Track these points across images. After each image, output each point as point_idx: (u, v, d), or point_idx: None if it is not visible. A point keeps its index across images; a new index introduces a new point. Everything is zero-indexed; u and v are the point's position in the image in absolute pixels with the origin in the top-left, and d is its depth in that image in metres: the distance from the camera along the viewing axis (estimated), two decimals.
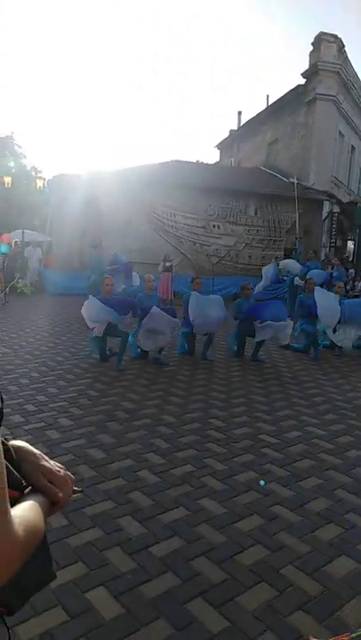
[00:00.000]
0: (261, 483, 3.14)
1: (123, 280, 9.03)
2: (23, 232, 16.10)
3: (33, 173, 27.88)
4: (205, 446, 3.68)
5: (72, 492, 0.89)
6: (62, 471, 0.86)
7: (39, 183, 16.40)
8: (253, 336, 6.92)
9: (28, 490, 0.81)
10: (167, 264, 13.45)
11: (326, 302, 7.26)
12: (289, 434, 4.06)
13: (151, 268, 13.47)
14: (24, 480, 0.81)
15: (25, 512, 0.72)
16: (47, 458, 0.86)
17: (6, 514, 0.64)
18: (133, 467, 3.26)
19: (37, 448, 2.79)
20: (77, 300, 10.36)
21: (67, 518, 2.55)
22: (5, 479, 0.66)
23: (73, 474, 2.76)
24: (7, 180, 16.42)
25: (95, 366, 6.05)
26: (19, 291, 13.35)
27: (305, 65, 17.84)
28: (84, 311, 6.07)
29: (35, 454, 0.83)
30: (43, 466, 0.83)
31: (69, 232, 14.59)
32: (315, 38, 17.27)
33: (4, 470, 0.66)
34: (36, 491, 0.80)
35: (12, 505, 0.73)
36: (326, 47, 17.11)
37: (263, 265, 15.03)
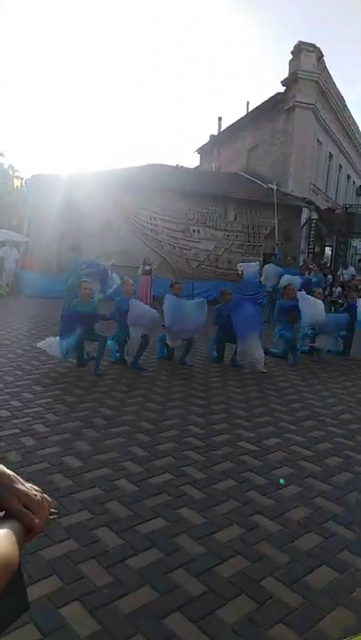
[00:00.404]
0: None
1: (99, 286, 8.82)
2: None
3: (10, 172, 27.46)
4: (184, 454, 3.63)
5: (49, 516, 0.83)
6: (39, 494, 0.80)
7: (16, 182, 16.13)
8: (233, 341, 6.91)
9: (1, 514, 0.75)
10: (147, 267, 13.40)
11: (310, 303, 7.34)
12: (268, 440, 4.04)
13: (131, 272, 13.38)
14: None
15: None
16: (22, 480, 0.80)
17: None
18: (110, 475, 3.18)
19: (11, 455, 2.69)
20: (55, 303, 10.22)
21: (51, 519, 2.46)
22: None
23: (48, 483, 2.65)
24: None
25: (72, 371, 5.94)
26: None
27: (285, 73, 18.09)
28: None
29: (9, 476, 0.78)
30: (18, 489, 0.77)
31: (48, 233, 14.41)
32: (294, 47, 17.53)
33: None
34: (11, 516, 0.75)
35: None
36: (306, 56, 17.38)
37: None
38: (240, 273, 12.27)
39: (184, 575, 2.21)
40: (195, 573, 2.22)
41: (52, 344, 5.83)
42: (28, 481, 2.63)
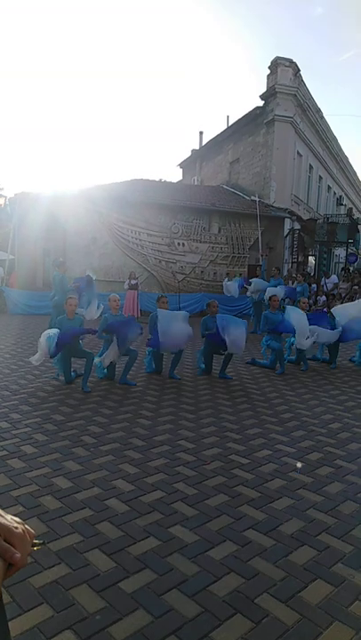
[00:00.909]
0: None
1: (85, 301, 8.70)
2: None
3: None
4: (175, 469, 3.60)
5: (31, 549, 0.81)
6: (20, 527, 0.79)
7: (0, 201, 16.08)
8: (220, 353, 6.92)
9: None
10: (133, 282, 13.41)
11: (299, 317, 7.37)
12: (259, 453, 4.02)
13: (117, 286, 13.41)
14: None
15: None
16: (3, 513, 0.78)
17: None
18: (101, 495, 3.13)
19: (0, 479, 2.62)
20: (41, 320, 10.14)
21: (30, 555, 2.40)
22: None
23: (37, 506, 2.60)
24: None
25: (60, 389, 5.87)
26: None
27: (263, 87, 18.43)
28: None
29: None
30: None
31: (33, 251, 14.39)
32: (271, 62, 17.91)
33: None
34: None
35: None
36: (283, 71, 17.76)
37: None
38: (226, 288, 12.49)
39: (178, 596, 2.17)
40: (189, 594, 2.18)
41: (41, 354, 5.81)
42: (15, 505, 2.56)
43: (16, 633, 1.91)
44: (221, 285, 16.26)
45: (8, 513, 2.67)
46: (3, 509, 2.75)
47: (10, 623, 1.91)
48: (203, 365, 7.09)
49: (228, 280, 14.12)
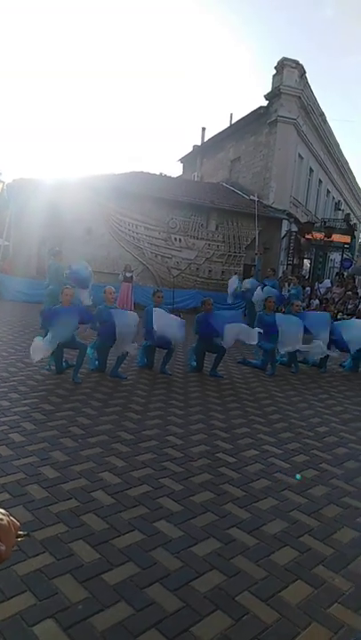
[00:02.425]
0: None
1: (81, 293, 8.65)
2: None
3: None
4: (162, 465, 3.62)
5: (16, 540, 0.81)
6: (5, 519, 0.78)
7: None
8: (213, 351, 6.94)
9: None
10: (128, 274, 13.37)
11: (287, 325, 7.38)
12: (246, 452, 4.05)
13: (112, 278, 13.37)
14: None
15: None
16: None
17: None
18: (87, 487, 3.14)
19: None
20: (35, 307, 10.10)
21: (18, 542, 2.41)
22: None
23: (23, 494, 2.61)
24: None
25: (51, 378, 5.86)
26: None
27: (268, 87, 18.41)
28: None
29: None
30: None
31: (29, 238, 14.28)
32: (278, 63, 17.87)
33: None
34: None
35: None
36: (289, 72, 17.74)
37: (223, 280, 15.24)
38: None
39: (160, 590, 2.19)
40: (171, 588, 2.21)
41: (34, 347, 5.73)
42: (1, 493, 2.58)
43: None
44: (216, 283, 16.27)
45: None
46: None
47: None
48: (194, 363, 7.11)
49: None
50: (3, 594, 2.06)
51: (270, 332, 7.38)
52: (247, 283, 12.18)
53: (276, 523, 2.91)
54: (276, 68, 18.04)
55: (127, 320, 6.19)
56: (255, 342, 7.01)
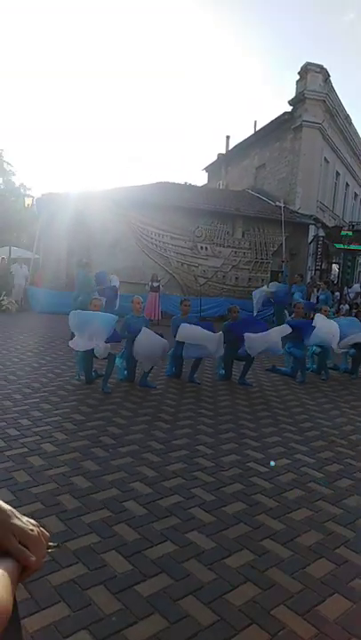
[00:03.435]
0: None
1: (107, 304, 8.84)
2: (10, 249, 16.02)
3: (22, 190, 27.93)
4: (193, 475, 3.59)
5: (46, 552, 0.80)
6: (36, 529, 0.77)
7: (27, 201, 16.37)
8: (241, 359, 6.89)
9: None
10: (155, 284, 13.45)
11: (326, 324, 7.28)
12: (278, 461, 3.98)
13: (139, 288, 13.47)
14: None
15: None
16: (19, 514, 0.77)
17: None
18: (119, 497, 3.15)
19: (19, 475, 2.68)
20: (64, 318, 10.25)
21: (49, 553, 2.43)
22: None
23: (56, 504, 2.63)
24: None
25: (81, 388, 5.93)
26: (3, 308, 13.20)
27: (291, 93, 18.34)
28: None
29: (5, 511, 0.75)
30: (14, 525, 0.74)
31: (57, 250, 14.56)
32: (301, 68, 17.81)
33: None
34: (6, 554, 0.72)
35: None
36: (312, 77, 17.65)
37: (250, 287, 15.15)
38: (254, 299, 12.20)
39: (194, 603, 2.17)
40: (205, 601, 2.18)
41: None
42: (35, 502, 2.60)
43: (33, 629, 1.93)
44: (243, 290, 16.18)
45: (28, 509, 2.71)
46: (22, 505, 2.79)
47: (27, 619, 1.94)
48: (223, 371, 7.06)
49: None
50: (37, 604, 2.08)
51: (299, 339, 7.28)
52: (273, 286, 12.06)
53: (310, 534, 2.85)
54: (299, 73, 17.98)
55: (153, 344, 6.12)
56: (281, 352, 6.95)
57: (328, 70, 17.87)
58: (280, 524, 2.94)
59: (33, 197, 17.38)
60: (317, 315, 7.59)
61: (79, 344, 5.76)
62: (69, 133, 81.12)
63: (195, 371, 6.72)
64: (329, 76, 18.04)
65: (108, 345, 5.79)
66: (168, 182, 19.49)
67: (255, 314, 12.10)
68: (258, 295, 12.06)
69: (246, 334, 6.56)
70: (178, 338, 6.35)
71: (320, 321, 7.32)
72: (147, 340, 6.03)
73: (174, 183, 20.11)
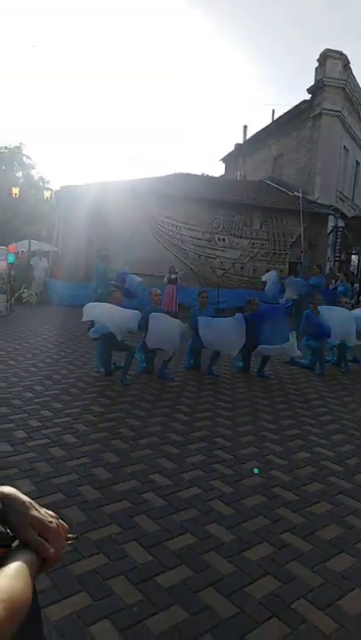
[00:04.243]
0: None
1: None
2: (30, 242, 16.16)
3: (41, 184, 28.11)
4: (212, 467, 3.60)
5: (65, 544, 0.80)
6: (54, 521, 0.77)
7: (46, 194, 16.47)
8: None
9: (15, 543, 0.72)
10: (172, 276, 13.45)
11: (337, 316, 7.19)
12: (297, 455, 3.97)
13: (156, 280, 13.48)
14: (11, 531, 0.72)
15: (9, 581, 0.62)
16: (37, 506, 0.77)
17: None
18: (139, 488, 3.17)
19: (41, 466, 2.71)
20: (82, 311, 10.33)
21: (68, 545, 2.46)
22: None
23: (77, 495, 2.66)
24: (15, 190, 16.52)
25: (100, 380, 5.98)
26: (24, 300, 13.35)
27: (310, 81, 17.99)
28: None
29: (24, 503, 0.75)
30: (33, 517, 0.74)
31: (76, 242, 14.62)
32: (320, 55, 17.43)
33: None
34: (25, 545, 0.72)
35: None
36: (332, 63, 17.26)
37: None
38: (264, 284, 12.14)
39: (214, 595, 2.18)
40: (225, 593, 2.19)
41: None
42: (56, 493, 2.63)
43: (55, 618, 1.97)
44: (261, 281, 16.04)
45: (49, 500, 2.74)
46: (44, 496, 2.82)
47: (49, 608, 1.98)
48: (241, 363, 7.04)
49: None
50: (59, 593, 2.12)
51: (318, 332, 7.20)
52: (293, 283, 11.92)
53: (330, 528, 2.83)
54: (318, 60, 17.60)
55: (167, 325, 6.16)
56: (298, 354, 6.90)
57: (348, 57, 17.46)
58: (300, 518, 2.93)
59: (52, 190, 17.47)
60: (331, 309, 7.47)
61: (98, 329, 5.82)
62: (88, 124, 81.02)
63: (213, 363, 6.71)
64: (349, 62, 17.63)
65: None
66: (185, 173, 19.36)
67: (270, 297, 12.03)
68: (271, 277, 11.97)
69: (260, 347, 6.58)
70: (202, 336, 6.36)
71: (335, 316, 7.22)
72: (159, 323, 6.08)
73: (191, 174, 19.97)
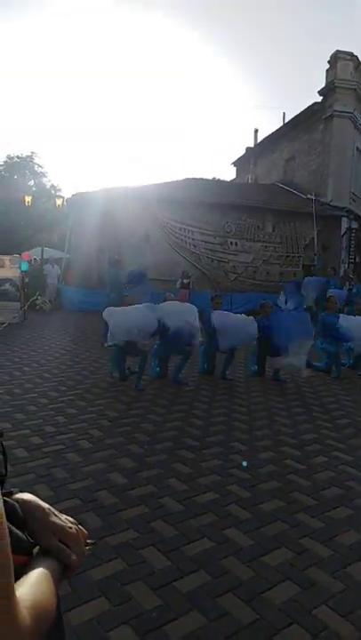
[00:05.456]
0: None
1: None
2: (42, 249, 16.33)
3: (52, 192, 28.41)
4: (229, 472, 3.58)
5: (85, 549, 0.80)
6: (74, 527, 0.77)
7: (58, 202, 16.63)
8: (274, 355, 6.79)
9: (36, 550, 0.72)
10: (185, 280, 13.46)
11: (357, 322, 7.10)
12: (315, 459, 3.92)
13: (169, 285, 13.50)
14: (32, 539, 0.72)
15: (34, 588, 0.62)
16: (57, 512, 0.77)
17: (10, 606, 0.54)
18: (155, 493, 3.16)
19: (57, 472, 2.72)
20: (96, 316, 10.39)
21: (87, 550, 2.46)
22: (10, 562, 0.56)
23: (93, 500, 2.66)
24: (28, 199, 16.71)
25: (114, 385, 5.99)
26: (37, 307, 13.47)
27: (320, 83, 17.94)
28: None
29: (43, 509, 0.74)
30: (53, 523, 0.74)
31: (88, 249, 14.72)
32: (331, 56, 17.38)
33: (9, 553, 0.56)
34: (46, 552, 0.71)
35: (21, 572, 0.63)
36: (343, 65, 17.20)
37: (281, 282, 14.93)
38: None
39: (233, 600, 2.16)
40: (244, 599, 2.16)
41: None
42: (73, 498, 2.64)
43: (75, 623, 1.97)
44: (274, 285, 15.95)
45: (66, 505, 2.74)
46: (61, 501, 2.82)
47: (70, 613, 1.97)
48: (255, 367, 7.00)
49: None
50: (79, 598, 2.11)
51: (334, 334, 7.12)
52: (309, 284, 11.84)
53: (350, 533, 2.79)
54: (329, 62, 17.55)
55: (179, 309, 6.27)
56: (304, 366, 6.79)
57: (359, 58, 17.37)
58: (319, 523, 2.89)
59: (63, 197, 17.65)
60: (341, 316, 7.37)
61: (116, 336, 5.83)
62: (98, 132, 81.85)
63: (227, 367, 6.68)
64: (360, 63, 17.54)
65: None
66: (196, 178, 19.40)
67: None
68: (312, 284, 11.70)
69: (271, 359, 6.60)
70: (216, 325, 6.40)
71: (350, 322, 7.13)
72: (172, 306, 6.30)
73: (202, 179, 20.01)
